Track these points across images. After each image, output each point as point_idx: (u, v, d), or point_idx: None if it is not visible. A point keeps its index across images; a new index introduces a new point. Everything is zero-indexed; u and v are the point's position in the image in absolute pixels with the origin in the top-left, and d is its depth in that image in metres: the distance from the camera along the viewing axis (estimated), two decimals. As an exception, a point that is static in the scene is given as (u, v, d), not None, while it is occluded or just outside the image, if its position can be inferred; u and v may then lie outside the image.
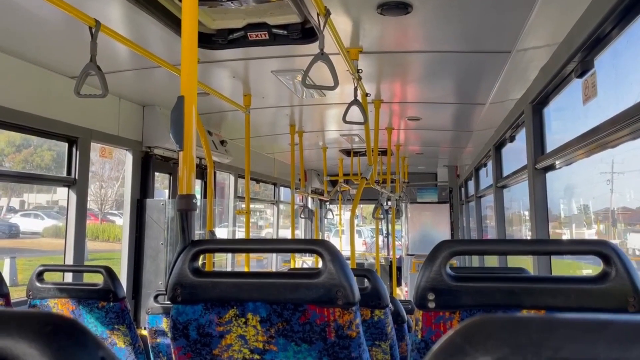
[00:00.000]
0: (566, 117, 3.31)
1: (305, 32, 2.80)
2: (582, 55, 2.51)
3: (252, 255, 5.38)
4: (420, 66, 3.70)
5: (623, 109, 2.14)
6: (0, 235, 15.54)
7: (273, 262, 8.93)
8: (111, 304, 2.40)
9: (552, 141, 3.39)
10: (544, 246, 1.49)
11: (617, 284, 1.23)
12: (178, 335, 1.40)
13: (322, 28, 2.40)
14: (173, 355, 1.44)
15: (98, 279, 2.47)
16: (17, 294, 3.08)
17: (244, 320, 1.36)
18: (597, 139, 2.45)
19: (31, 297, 2.46)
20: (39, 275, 2.47)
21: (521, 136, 4.11)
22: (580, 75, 2.59)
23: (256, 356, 1.38)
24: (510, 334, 0.31)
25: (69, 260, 3.79)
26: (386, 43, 3.17)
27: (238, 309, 1.36)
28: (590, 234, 4.89)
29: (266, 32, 2.82)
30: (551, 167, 3.39)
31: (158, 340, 3.19)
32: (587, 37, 2.33)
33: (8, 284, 2.45)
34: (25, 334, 0.35)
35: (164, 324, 3.16)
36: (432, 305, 1.32)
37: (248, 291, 1.36)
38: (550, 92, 3.27)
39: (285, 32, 2.80)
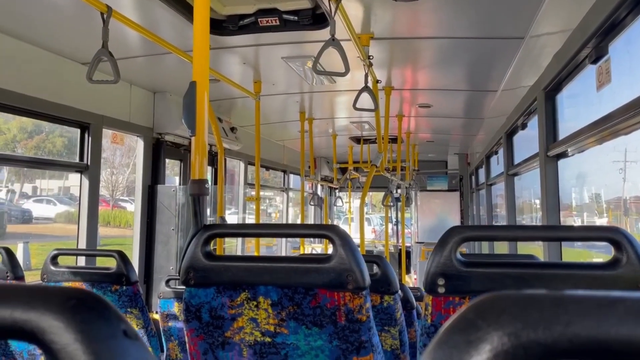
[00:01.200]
0: (579, 104, 3.27)
1: (316, 18, 2.79)
2: (596, 41, 2.47)
3: (261, 241, 5.41)
4: (431, 53, 3.67)
5: (637, 95, 2.12)
6: (13, 220, 15.73)
7: (282, 249, 8.97)
8: (124, 287, 2.43)
9: (565, 128, 3.36)
10: (555, 232, 1.49)
11: (628, 270, 1.22)
12: (191, 317, 1.42)
13: (333, 14, 2.39)
14: (186, 337, 1.47)
15: (111, 264, 2.50)
16: (30, 278, 3.13)
17: (255, 303, 1.38)
18: (610, 126, 2.43)
19: (45, 280, 2.50)
20: (54, 259, 2.51)
21: (533, 123, 4.08)
22: (595, 62, 2.55)
23: (267, 339, 1.40)
24: (523, 309, 0.32)
25: (82, 245, 3.84)
26: (397, 29, 3.15)
27: (250, 292, 1.38)
28: (601, 222, 4.86)
29: (277, 18, 2.81)
30: (563, 155, 3.36)
31: (169, 324, 3.24)
32: (602, 23, 2.30)
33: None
34: (50, 307, 0.36)
35: (176, 308, 3.20)
36: (441, 290, 1.33)
37: (259, 275, 1.37)
38: (563, 79, 3.23)
39: (296, 17, 2.79)
